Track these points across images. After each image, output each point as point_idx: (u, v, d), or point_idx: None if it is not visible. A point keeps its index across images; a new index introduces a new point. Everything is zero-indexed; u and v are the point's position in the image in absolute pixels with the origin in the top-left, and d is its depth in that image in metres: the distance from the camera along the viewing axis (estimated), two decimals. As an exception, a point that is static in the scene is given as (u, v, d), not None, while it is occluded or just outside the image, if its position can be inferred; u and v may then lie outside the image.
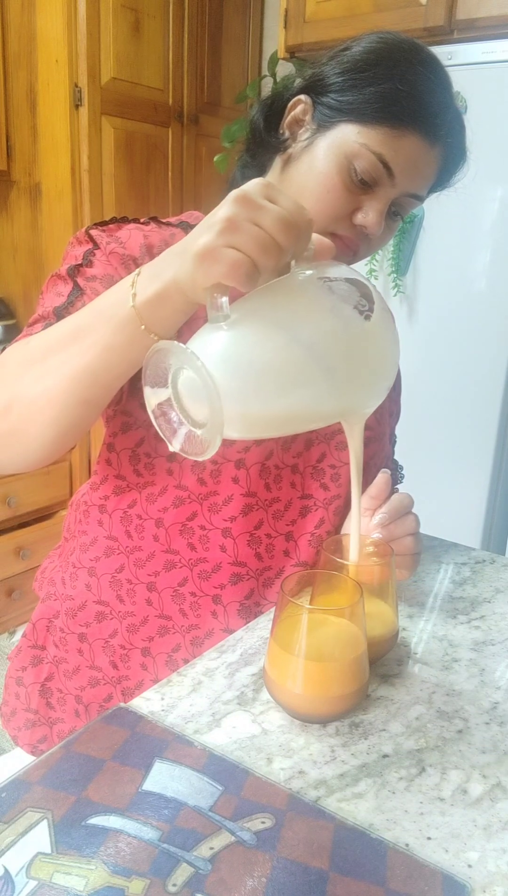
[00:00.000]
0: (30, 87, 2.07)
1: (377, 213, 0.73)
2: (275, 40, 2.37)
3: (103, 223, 0.78)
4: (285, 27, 2.08)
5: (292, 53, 2.12)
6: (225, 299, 0.50)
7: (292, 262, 0.55)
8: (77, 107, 2.03)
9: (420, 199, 0.77)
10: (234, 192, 0.50)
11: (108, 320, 0.58)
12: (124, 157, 2.17)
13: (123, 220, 0.79)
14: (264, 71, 2.56)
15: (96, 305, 0.61)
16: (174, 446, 0.52)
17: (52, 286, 0.75)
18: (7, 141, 2.10)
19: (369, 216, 0.73)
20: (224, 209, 0.50)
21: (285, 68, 2.26)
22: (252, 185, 0.51)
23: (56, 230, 2.16)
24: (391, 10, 1.88)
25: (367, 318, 0.54)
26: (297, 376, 0.51)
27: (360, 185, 0.72)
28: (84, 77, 2.00)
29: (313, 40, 2.03)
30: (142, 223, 0.79)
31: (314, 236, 0.53)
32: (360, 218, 0.74)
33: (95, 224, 0.78)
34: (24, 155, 2.13)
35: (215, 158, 2.26)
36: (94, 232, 0.76)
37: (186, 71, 2.30)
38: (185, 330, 0.71)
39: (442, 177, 0.78)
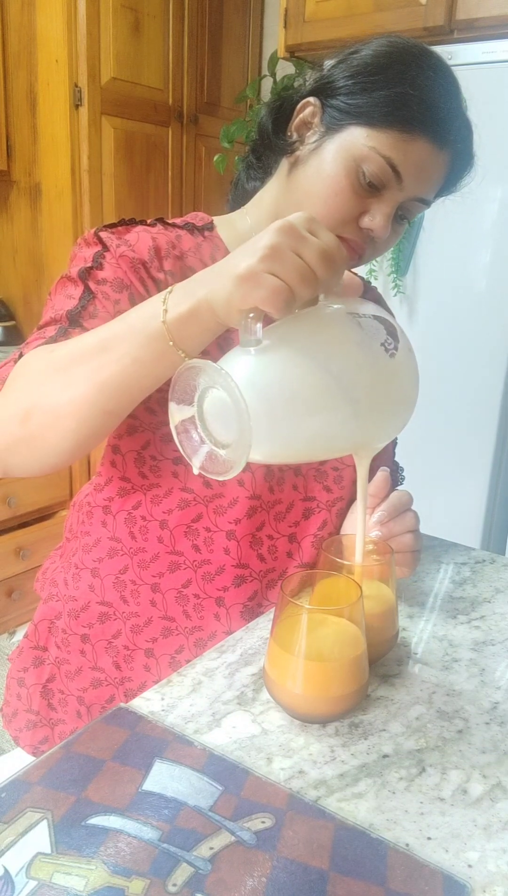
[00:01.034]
0: (30, 87, 2.07)
1: (385, 216, 0.73)
2: (275, 40, 2.37)
3: (112, 225, 0.78)
4: (285, 27, 2.07)
5: (292, 53, 2.12)
6: (260, 325, 0.52)
7: (321, 296, 0.56)
8: (77, 107, 2.03)
9: (427, 203, 0.77)
10: (279, 222, 0.52)
11: (137, 334, 0.58)
12: (124, 156, 2.17)
13: (131, 222, 0.79)
14: (264, 71, 2.56)
15: (127, 318, 0.61)
16: (194, 465, 0.53)
17: (62, 288, 0.75)
18: (7, 141, 2.10)
19: (376, 220, 0.73)
20: (268, 236, 0.51)
21: (285, 68, 2.26)
22: (297, 217, 0.52)
23: (56, 230, 2.16)
24: (391, 10, 1.88)
25: (392, 355, 0.55)
26: (323, 405, 0.52)
27: (368, 188, 0.72)
28: (84, 77, 2.00)
29: (312, 40, 2.03)
30: (149, 224, 0.79)
31: (346, 274, 0.55)
32: (367, 221, 0.74)
33: (104, 226, 0.78)
34: (24, 155, 2.14)
35: (215, 159, 2.26)
36: (103, 234, 0.76)
37: (186, 71, 2.30)
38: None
39: (449, 181, 0.78)
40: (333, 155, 0.73)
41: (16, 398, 0.64)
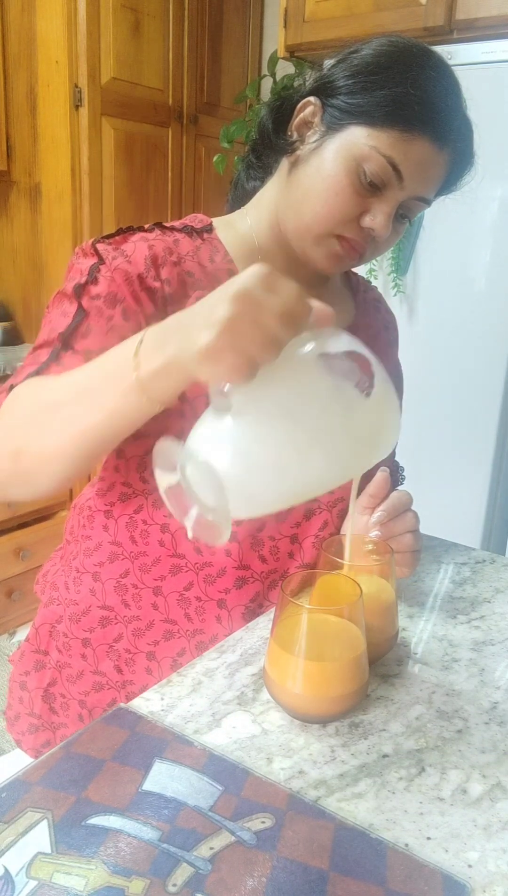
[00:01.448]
0: (30, 87, 2.07)
1: (386, 216, 0.73)
2: (275, 40, 2.37)
3: (109, 236, 0.78)
4: (285, 27, 2.07)
5: (292, 53, 2.12)
6: (226, 388, 0.51)
7: None
8: (77, 107, 2.03)
9: (428, 202, 0.77)
10: (234, 289, 0.49)
11: (113, 386, 0.58)
12: (124, 157, 2.17)
13: (129, 231, 0.78)
14: (264, 71, 2.56)
15: (104, 367, 0.60)
16: (188, 529, 0.53)
17: (58, 304, 0.75)
18: (7, 141, 2.10)
19: (377, 219, 0.73)
20: (224, 308, 0.48)
21: (285, 68, 2.26)
22: (251, 280, 0.49)
23: (56, 231, 2.16)
24: (391, 10, 1.88)
25: (368, 394, 0.54)
26: (301, 463, 0.52)
27: (368, 187, 0.72)
28: (84, 77, 2.00)
29: (312, 40, 2.03)
30: (146, 230, 0.79)
31: (315, 304, 0.52)
32: (368, 221, 0.74)
33: (102, 237, 0.77)
34: (24, 155, 2.14)
35: (215, 159, 2.26)
36: (100, 246, 0.76)
37: (185, 71, 2.30)
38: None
39: (450, 180, 0.78)
40: (333, 154, 0.73)
41: (6, 436, 0.65)
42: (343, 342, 0.55)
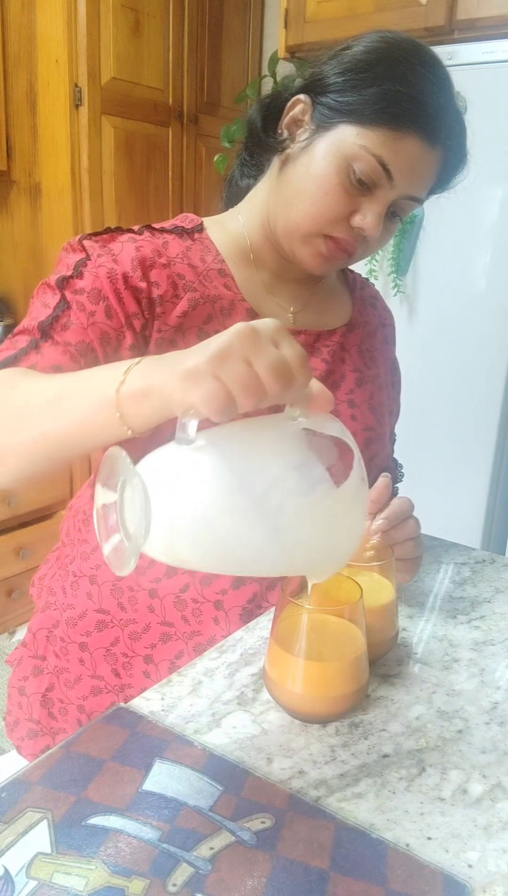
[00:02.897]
0: (30, 87, 2.07)
1: (376, 215, 0.73)
2: (275, 40, 2.37)
3: (97, 233, 0.77)
4: (286, 27, 2.07)
5: (293, 53, 2.12)
6: (194, 423, 0.48)
7: (287, 406, 0.51)
8: (77, 107, 2.03)
9: (419, 201, 0.76)
10: (241, 325, 0.48)
11: (91, 395, 0.56)
12: (124, 156, 2.17)
13: (118, 231, 0.78)
14: (264, 71, 2.56)
15: (89, 376, 0.60)
16: (105, 551, 0.50)
17: (42, 294, 0.75)
18: (7, 141, 2.10)
19: (367, 219, 0.73)
20: (224, 338, 0.47)
21: (285, 68, 2.26)
22: (263, 324, 0.49)
23: (56, 230, 2.16)
24: (392, 10, 1.88)
25: (337, 483, 0.50)
26: (237, 529, 0.48)
27: (358, 187, 0.72)
28: (84, 77, 2.00)
29: (313, 40, 2.03)
30: (136, 232, 0.78)
31: (316, 385, 0.50)
32: (358, 220, 0.73)
33: (89, 234, 0.77)
34: (24, 155, 2.13)
35: (215, 158, 2.26)
36: (87, 242, 0.76)
37: (186, 71, 2.30)
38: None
39: (442, 179, 0.77)
40: (323, 153, 0.72)
41: None
42: (334, 428, 0.52)
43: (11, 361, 0.70)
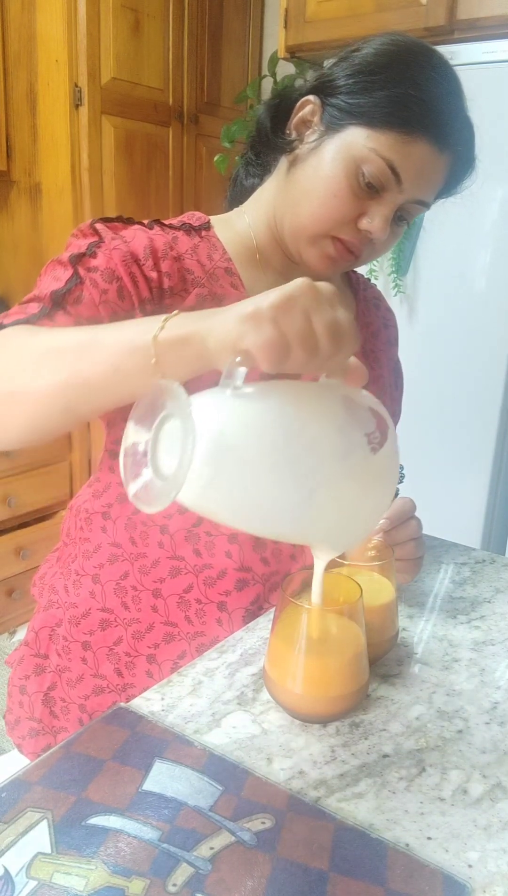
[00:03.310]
0: (30, 87, 2.07)
1: (383, 218, 0.73)
2: (275, 40, 2.37)
3: (108, 219, 0.77)
4: (286, 27, 2.07)
5: (293, 53, 2.12)
6: (243, 370, 0.48)
7: (323, 376, 0.53)
8: (77, 106, 2.03)
9: (426, 205, 0.76)
10: (303, 280, 0.49)
11: (125, 343, 0.56)
12: (124, 156, 2.17)
13: (129, 221, 0.78)
14: (264, 71, 2.56)
15: (120, 326, 0.59)
16: (130, 490, 0.49)
17: (51, 270, 0.73)
18: (7, 141, 2.09)
19: (374, 222, 0.73)
20: (287, 289, 0.48)
21: (285, 68, 2.26)
22: (323, 285, 0.50)
23: (56, 230, 2.15)
24: (392, 10, 1.88)
25: (374, 450, 0.50)
26: (274, 481, 0.48)
27: (367, 189, 0.71)
28: (84, 77, 2.00)
29: (313, 40, 2.03)
30: (145, 225, 0.78)
31: (353, 359, 0.51)
32: (366, 223, 0.73)
33: (101, 219, 0.76)
34: (24, 155, 2.13)
35: (215, 158, 2.26)
36: (99, 226, 0.75)
37: (186, 71, 2.30)
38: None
39: (449, 184, 0.77)
40: (332, 155, 0.72)
41: None
42: (370, 400, 0.53)
43: (24, 324, 0.68)
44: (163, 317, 0.54)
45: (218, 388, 0.49)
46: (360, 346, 0.50)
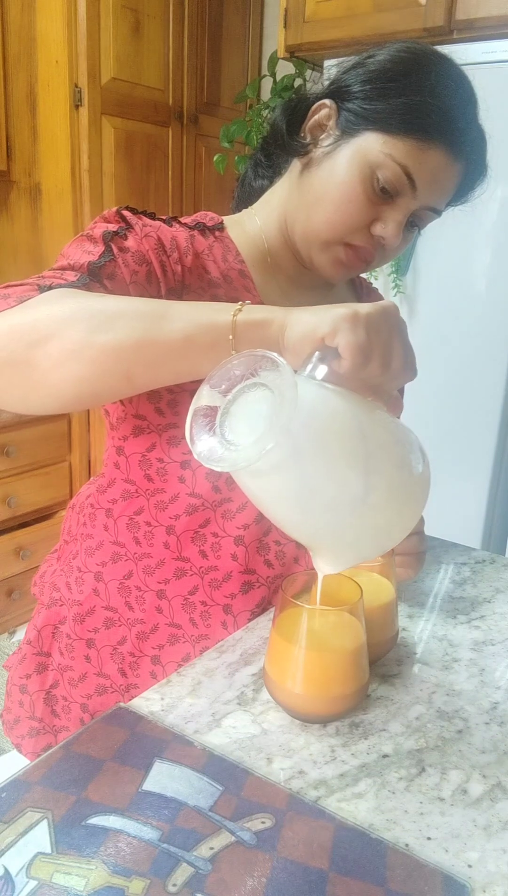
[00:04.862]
0: (30, 87, 2.07)
1: (397, 224, 0.72)
2: (275, 40, 2.37)
3: (133, 210, 0.75)
4: (285, 27, 2.07)
5: (292, 53, 2.11)
6: (324, 367, 0.53)
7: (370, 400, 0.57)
8: (77, 107, 2.03)
9: (438, 212, 0.76)
10: (391, 304, 0.56)
11: (202, 316, 0.57)
12: (124, 157, 2.17)
13: (151, 216, 0.77)
14: (264, 71, 2.56)
15: (194, 304, 0.60)
16: (198, 448, 0.50)
17: (79, 244, 0.71)
18: (7, 141, 2.09)
19: (388, 228, 0.73)
20: (383, 305, 0.55)
21: (285, 68, 2.26)
22: (400, 315, 0.56)
23: (56, 231, 2.16)
24: (391, 10, 1.88)
25: (419, 469, 0.56)
26: (344, 470, 0.51)
27: (381, 195, 0.71)
28: (84, 77, 2.00)
29: (312, 40, 2.03)
30: (165, 221, 0.77)
31: (396, 394, 0.57)
32: (379, 229, 0.73)
33: (126, 207, 0.75)
34: (24, 155, 2.13)
35: (215, 159, 2.26)
36: (126, 213, 0.73)
37: (186, 71, 2.30)
38: None
39: (461, 191, 0.78)
40: (348, 160, 0.72)
41: (35, 318, 0.57)
42: (408, 428, 0.58)
43: (67, 289, 0.64)
44: (237, 304, 0.58)
45: (305, 377, 0.53)
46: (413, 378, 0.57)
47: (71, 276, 0.66)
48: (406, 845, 0.49)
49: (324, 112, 0.75)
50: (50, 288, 0.63)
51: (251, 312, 0.57)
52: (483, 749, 0.59)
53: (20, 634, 2.17)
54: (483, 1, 1.77)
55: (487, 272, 1.83)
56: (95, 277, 0.67)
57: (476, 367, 1.88)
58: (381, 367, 0.53)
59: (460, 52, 1.71)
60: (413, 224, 0.76)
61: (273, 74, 2.29)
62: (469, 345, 1.88)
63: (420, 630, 0.77)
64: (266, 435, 0.46)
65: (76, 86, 2.01)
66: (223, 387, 0.50)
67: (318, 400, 0.51)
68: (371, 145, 0.71)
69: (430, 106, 0.69)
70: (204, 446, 0.49)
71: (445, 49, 0.75)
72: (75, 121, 2.04)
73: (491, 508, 1.96)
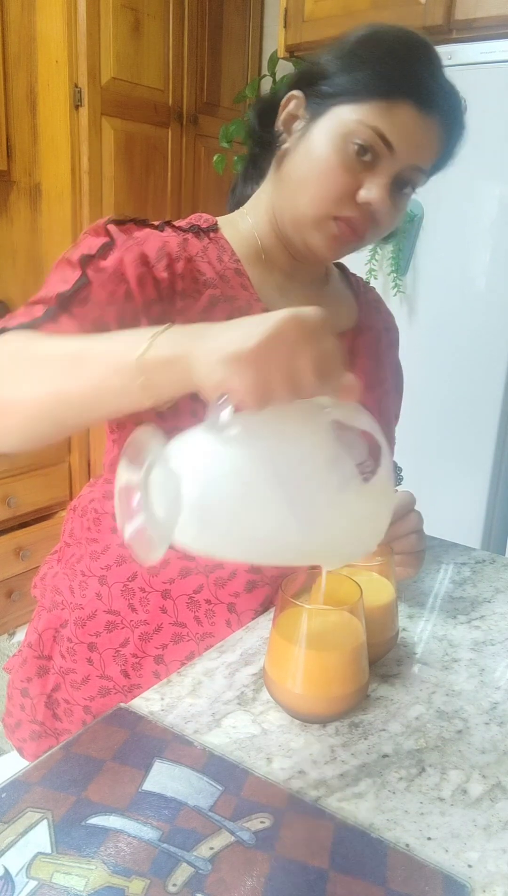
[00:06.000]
0: (30, 87, 2.07)
1: (381, 187, 0.72)
2: (275, 40, 2.37)
3: (121, 221, 0.76)
4: (285, 27, 2.07)
5: (292, 53, 2.12)
6: (230, 410, 0.48)
7: None
8: (77, 107, 2.03)
9: (424, 171, 0.76)
10: (288, 314, 0.47)
11: (113, 359, 0.55)
12: (124, 157, 2.17)
13: (142, 223, 0.78)
14: (264, 71, 2.56)
15: (111, 339, 0.58)
16: (126, 532, 0.48)
17: (60, 270, 0.73)
18: (7, 141, 2.09)
19: (372, 192, 0.72)
20: (271, 326, 0.47)
21: (285, 68, 2.26)
22: (309, 315, 0.48)
23: (56, 231, 2.15)
24: (390, 9, 1.88)
25: (366, 479, 0.51)
26: (269, 521, 0.48)
27: (360, 161, 0.72)
28: (84, 77, 2.00)
29: (312, 39, 2.03)
30: (156, 227, 0.78)
31: (348, 375, 0.50)
32: (364, 195, 0.73)
33: (114, 219, 0.76)
34: (24, 155, 2.13)
35: (214, 159, 2.26)
36: (111, 228, 0.74)
37: (185, 71, 2.30)
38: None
39: (445, 151, 0.77)
40: (321, 136, 0.73)
41: None
42: (362, 420, 0.53)
43: (27, 328, 0.69)
44: (152, 332, 0.53)
45: (204, 426, 0.49)
46: (347, 374, 0.50)
47: (38, 311, 0.69)
48: (407, 845, 0.49)
49: (293, 103, 0.76)
50: (3, 331, 0.66)
51: (160, 348, 0.52)
52: (482, 749, 0.59)
53: (20, 635, 2.17)
54: (483, 1, 1.77)
55: (487, 272, 1.83)
56: (63, 308, 0.69)
57: (475, 366, 1.88)
58: (290, 392, 0.47)
59: (459, 52, 1.71)
60: (404, 186, 0.76)
61: (273, 74, 2.29)
62: (469, 345, 1.88)
63: (420, 630, 0.77)
64: (164, 520, 0.45)
65: (76, 86, 2.01)
66: (137, 460, 0.48)
67: (217, 460, 0.48)
68: (341, 116, 0.72)
69: (392, 66, 0.71)
70: (133, 528, 0.48)
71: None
72: (75, 121, 2.04)
73: (491, 508, 1.96)
